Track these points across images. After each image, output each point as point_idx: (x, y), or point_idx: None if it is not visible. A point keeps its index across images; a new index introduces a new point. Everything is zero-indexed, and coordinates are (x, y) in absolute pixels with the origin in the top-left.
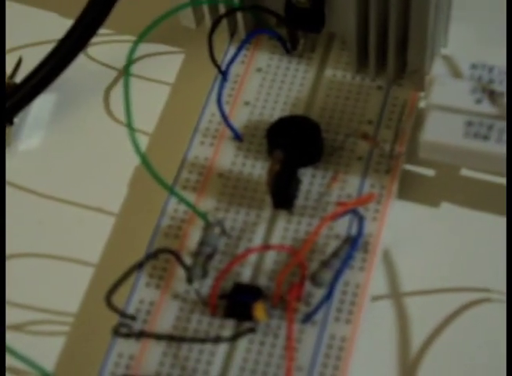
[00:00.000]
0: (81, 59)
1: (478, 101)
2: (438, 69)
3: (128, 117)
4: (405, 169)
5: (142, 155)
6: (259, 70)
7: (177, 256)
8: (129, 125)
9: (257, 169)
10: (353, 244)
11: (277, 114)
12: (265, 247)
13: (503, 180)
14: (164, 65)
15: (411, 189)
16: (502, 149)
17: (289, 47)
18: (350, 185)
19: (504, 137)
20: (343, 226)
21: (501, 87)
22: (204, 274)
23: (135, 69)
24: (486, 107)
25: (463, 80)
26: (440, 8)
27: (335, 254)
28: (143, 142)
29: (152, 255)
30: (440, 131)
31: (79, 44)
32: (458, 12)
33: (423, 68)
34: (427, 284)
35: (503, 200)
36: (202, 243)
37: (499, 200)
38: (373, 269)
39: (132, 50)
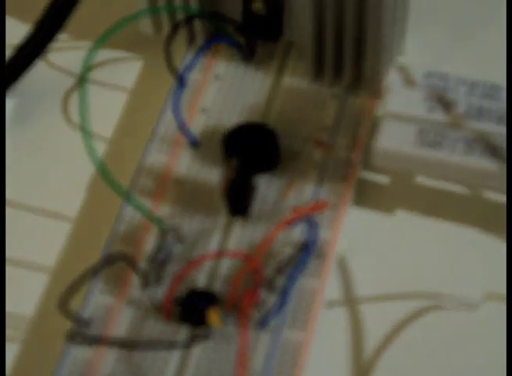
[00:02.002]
0: (39, 65)
1: (432, 109)
2: (393, 77)
3: (83, 124)
4: (361, 177)
5: (98, 162)
6: (217, 77)
7: (131, 263)
8: (85, 132)
9: (214, 176)
10: (306, 250)
11: (234, 121)
12: (220, 253)
13: (457, 187)
14: (123, 71)
15: (366, 197)
16: (454, 157)
17: (247, 54)
18: (306, 192)
19: (457, 146)
20: (299, 233)
21: (454, 96)
22: (158, 280)
23: (94, 75)
24: (439, 116)
25: (418, 88)
26: (395, 16)
27: (290, 260)
28: (101, 147)
29: (106, 262)
30: (393, 139)
31: (37, 49)
32: (415, 20)
33: (379, 76)
34: (380, 290)
35: (457, 207)
36: (156, 249)
37: (452, 207)
38: (328, 275)
39: (89, 56)
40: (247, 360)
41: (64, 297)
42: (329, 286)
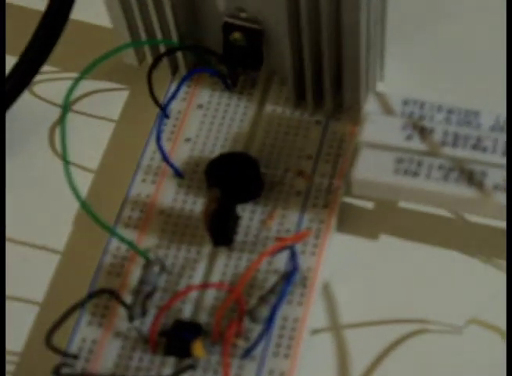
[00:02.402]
0: (25, 97)
1: (409, 137)
2: (370, 106)
3: (65, 159)
4: (344, 202)
5: (80, 199)
6: (200, 106)
7: (116, 296)
8: (66, 170)
9: (198, 206)
10: (288, 279)
11: (218, 151)
12: (204, 285)
13: (441, 211)
14: (108, 102)
15: (350, 222)
16: (431, 184)
17: (229, 84)
18: (289, 220)
19: (433, 173)
20: (282, 262)
21: (431, 123)
22: (144, 312)
23: (79, 106)
24: (416, 144)
25: (395, 116)
26: (372, 45)
27: (272, 289)
28: (88, 178)
29: (92, 295)
30: (371, 168)
31: (23, 81)
32: (394, 47)
33: (358, 103)
34: (365, 316)
35: (441, 231)
36: (141, 281)
37: (436, 231)
38: (312, 303)
39: (72, 87)
40: None
41: (50, 332)
42: (314, 313)
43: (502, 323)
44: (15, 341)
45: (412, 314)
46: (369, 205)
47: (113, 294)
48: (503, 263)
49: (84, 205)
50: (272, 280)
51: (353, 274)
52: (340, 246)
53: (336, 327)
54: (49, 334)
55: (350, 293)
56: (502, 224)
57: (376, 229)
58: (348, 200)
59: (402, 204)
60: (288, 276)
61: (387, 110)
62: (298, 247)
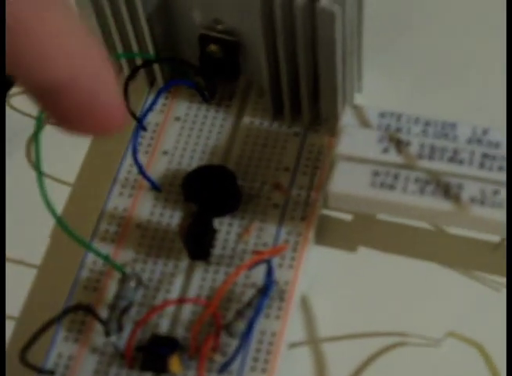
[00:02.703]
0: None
1: (385, 150)
2: (347, 118)
3: (39, 176)
4: (322, 214)
5: (56, 215)
6: (177, 119)
7: (92, 311)
8: (41, 187)
9: (175, 219)
10: (265, 293)
11: (195, 163)
12: (181, 300)
13: (420, 223)
14: None
15: (328, 235)
16: (407, 197)
17: (207, 96)
18: (266, 232)
19: (409, 187)
20: (259, 275)
21: (408, 136)
22: (120, 327)
23: None
24: (393, 156)
25: (372, 129)
26: (349, 57)
27: (249, 303)
28: (65, 191)
29: (67, 311)
30: (347, 181)
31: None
32: (373, 58)
33: (336, 116)
34: (344, 330)
35: (419, 244)
36: (118, 296)
37: (415, 244)
38: (289, 317)
39: None
40: None
41: (25, 348)
42: (292, 327)
43: (479, 337)
44: None
45: (391, 327)
46: (348, 217)
47: (89, 310)
48: (482, 275)
49: (60, 221)
50: (250, 293)
51: (331, 287)
52: (319, 259)
53: (314, 341)
54: (23, 350)
55: (328, 306)
56: (481, 236)
57: (355, 242)
58: (326, 212)
59: (381, 217)
60: (265, 290)
61: (364, 122)
62: (276, 261)
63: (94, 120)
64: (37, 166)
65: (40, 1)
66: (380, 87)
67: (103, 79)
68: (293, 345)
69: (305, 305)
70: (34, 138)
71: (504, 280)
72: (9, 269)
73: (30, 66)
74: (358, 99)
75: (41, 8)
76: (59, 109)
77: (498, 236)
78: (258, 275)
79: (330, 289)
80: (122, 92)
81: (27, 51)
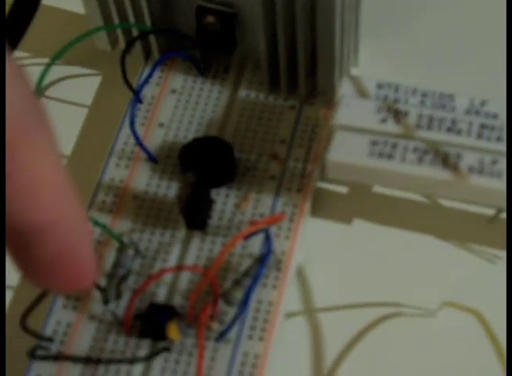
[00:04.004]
0: None
1: (383, 120)
2: (345, 89)
3: None
4: (318, 187)
5: None
6: (174, 91)
7: None
8: None
9: (172, 190)
10: (262, 262)
11: (191, 135)
12: (179, 267)
13: (415, 196)
14: (81, 87)
15: (324, 207)
16: (405, 167)
17: (202, 68)
18: (263, 204)
19: (408, 156)
20: (256, 245)
21: (405, 106)
22: (118, 295)
23: (52, 91)
24: (391, 127)
25: (369, 100)
26: (347, 29)
27: (246, 273)
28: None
29: None
30: (345, 151)
31: None
32: (369, 33)
33: (333, 88)
34: (339, 300)
35: (415, 216)
36: (116, 265)
37: (410, 216)
38: (286, 286)
39: (43, 73)
40: (204, 371)
41: (24, 314)
42: (288, 296)
43: (477, 305)
44: None
45: (387, 298)
46: (344, 190)
47: None
48: (477, 247)
49: None
50: (247, 263)
51: (327, 258)
52: (315, 230)
53: (310, 310)
54: (24, 316)
55: (324, 276)
56: (475, 208)
57: (350, 214)
58: (323, 185)
59: (377, 189)
60: (262, 259)
61: (362, 93)
62: (273, 231)
63: (66, 273)
64: None
65: (36, 150)
66: (376, 61)
67: (82, 230)
68: (289, 315)
69: (302, 275)
70: None
71: (499, 252)
72: None
73: (21, 203)
74: (355, 72)
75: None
76: (33, 256)
77: (493, 209)
78: (255, 245)
79: (326, 260)
80: (119, 64)
81: (21, 189)
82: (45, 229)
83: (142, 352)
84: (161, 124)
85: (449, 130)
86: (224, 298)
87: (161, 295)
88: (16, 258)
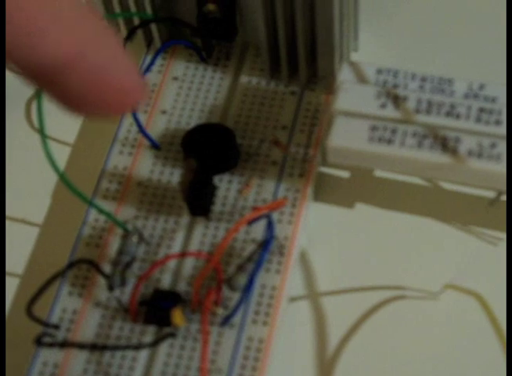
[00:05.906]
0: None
1: (383, 106)
2: (345, 75)
3: (42, 133)
4: (320, 172)
5: (59, 172)
6: (175, 78)
7: (95, 266)
8: (44, 143)
9: (175, 177)
10: (265, 247)
11: (194, 122)
12: (183, 253)
13: (416, 180)
14: None
15: (326, 191)
16: (405, 151)
17: (204, 56)
18: (265, 189)
19: (407, 141)
20: (259, 231)
21: (405, 91)
22: (123, 282)
23: None
24: (390, 112)
25: (369, 85)
26: (346, 15)
27: (250, 258)
28: (66, 152)
29: (71, 266)
30: (345, 136)
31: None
32: (368, 18)
33: (333, 73)
34: (343, 284)
35: (416, 200)
36: (120, 251)
37: (412, 199)
38: (289, 271)
39: None
40: (208, 355)
41: (30, 302)
42: (292, 281)
43: (478, 288)
44: None
45: (389, 281)
46: (345, 174)
47: (93, 264)
48: (478, 229)
49: (63, 177)
50: (250, 248)
51: (330, 242)
52: (317, 215)
53: (313, 295)
54: (30, 303)
55: (327, 261)
56: (476, 191)
57: (352, 198)
58: (324, 170)
59: (378, 173)
60: (265, 245)
61: (361, 78)
62: (275, 216)
63: (106, 97)
64: (40, 126)
65: None
66: (375, 46)
67: (112, 52)
68: (293, 299)
69: (304, 260)
70: (37, 99)
71: (500, 234)
72: (12, 227)
73: (29, 43)
74: (354, 58)
75: None
76: (66, 89)
77: (493, 192)
78: (258, 231)
79: (329, 244)
80: None
81: (24, 25)
82: (74, 58)
83: (148, 338)
84: (164, 112)
85: (448, 114)
86: (228, 283)
87: (166, 282)
88: (49, 91)
